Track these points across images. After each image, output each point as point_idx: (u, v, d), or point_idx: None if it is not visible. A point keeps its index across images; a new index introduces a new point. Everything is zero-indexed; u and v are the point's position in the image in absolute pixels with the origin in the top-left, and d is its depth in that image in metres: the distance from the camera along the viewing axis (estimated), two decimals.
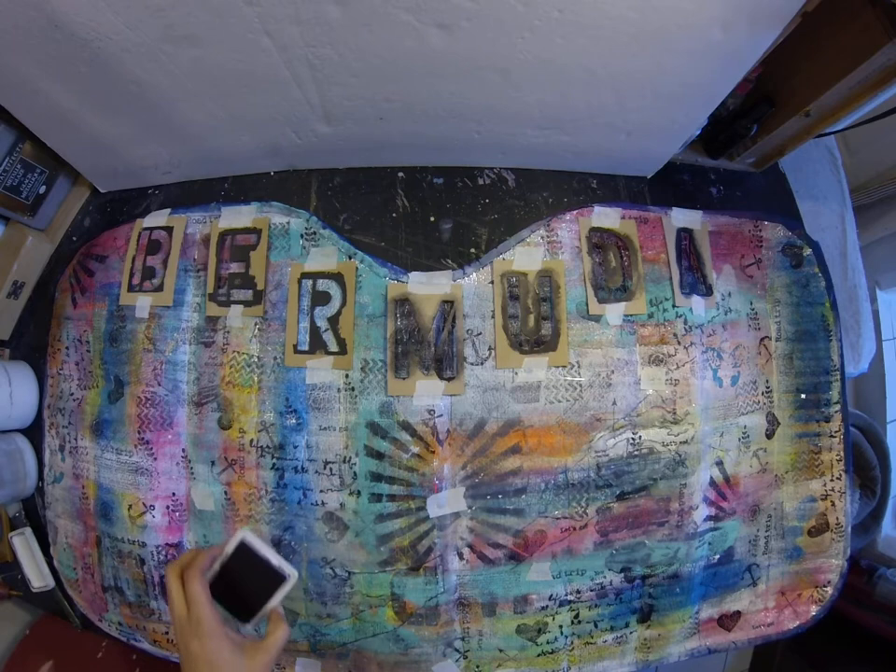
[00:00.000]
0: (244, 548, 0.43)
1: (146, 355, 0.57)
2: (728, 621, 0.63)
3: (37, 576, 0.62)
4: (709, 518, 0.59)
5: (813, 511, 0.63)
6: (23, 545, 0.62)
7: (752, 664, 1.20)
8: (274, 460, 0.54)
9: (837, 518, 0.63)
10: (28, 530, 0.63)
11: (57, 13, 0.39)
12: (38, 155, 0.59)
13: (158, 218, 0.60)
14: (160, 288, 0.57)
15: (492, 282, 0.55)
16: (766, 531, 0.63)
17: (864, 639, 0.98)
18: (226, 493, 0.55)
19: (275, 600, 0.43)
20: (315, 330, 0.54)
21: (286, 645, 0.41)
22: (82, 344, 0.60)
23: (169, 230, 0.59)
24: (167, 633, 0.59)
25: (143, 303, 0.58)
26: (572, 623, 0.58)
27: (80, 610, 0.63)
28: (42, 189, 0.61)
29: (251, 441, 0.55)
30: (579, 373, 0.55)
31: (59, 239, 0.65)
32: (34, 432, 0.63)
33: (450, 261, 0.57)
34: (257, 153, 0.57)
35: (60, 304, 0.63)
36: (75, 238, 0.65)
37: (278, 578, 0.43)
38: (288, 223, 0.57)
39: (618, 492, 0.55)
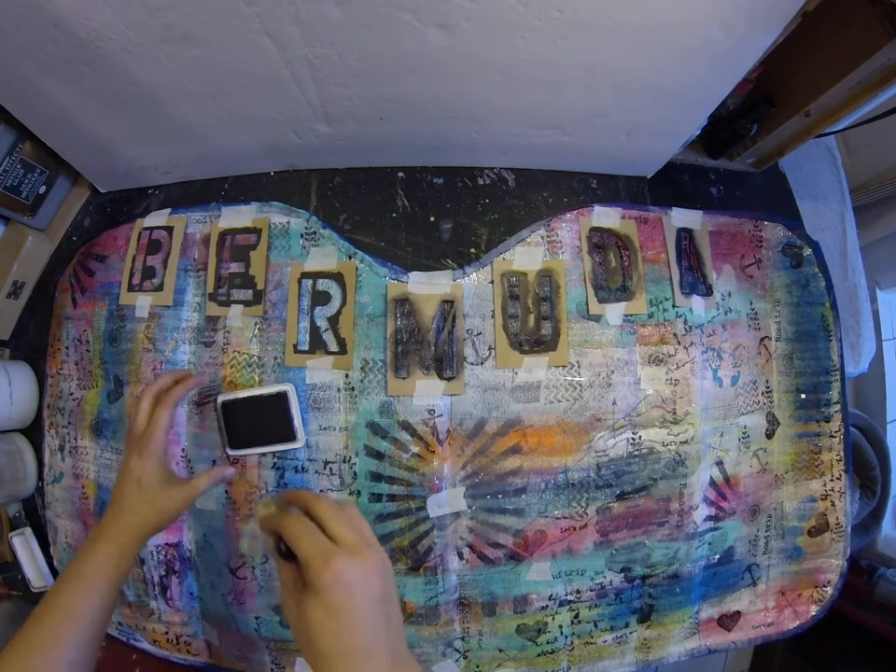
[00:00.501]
0: (280, 397, 0.50)
1: (145, 354, 0.57)
2: (728, 621, 0.63)
3: (37, 576, 0.62)
4: (709, 518, 0.59)
5: (813, 511, 0.63)
6: (23, 545, 0.62)
7: (752, 664, 1.20)
8: (275, 460, 0.54)
9: (837, 518, 0.64)
10: (28, 530, 0.62)
11: (57, 13, 0.39)
12: (38, 155, 0.59)
13: (158, 218, 0.60)
14: (160, 288, 0.57)
15: (492, 282, 0.55)
16: (766, 531, 0.63)
17: (864, 639, 0.98)
18: (227, 492, 0.55)
19: (268, 448, 0.48)
20: (314, 330, 0.54)
21: (270, 637, 0.41)
22: (82, 344, 0.60)
23: (169, 229, 0.59)
24: (167, 633, 0.59)
25: (143, 303, 0.57)
26: (572, 622, 0.58)
27: None
28: (42, 189, 0.61)
29: None
30: (579, 373, 0.55)
31: (59, 239, 0.65)
32: (33, 432, 0.63)
33: (450, 261, 0.57)
34: (257, 153, 0.57)
35: (60, 304, 0.63)
36: (75, 238, 0.65)
37: (287, 436, 0.49)
38: (288, 223, 0.57)
39: (618, 492, 0.55)
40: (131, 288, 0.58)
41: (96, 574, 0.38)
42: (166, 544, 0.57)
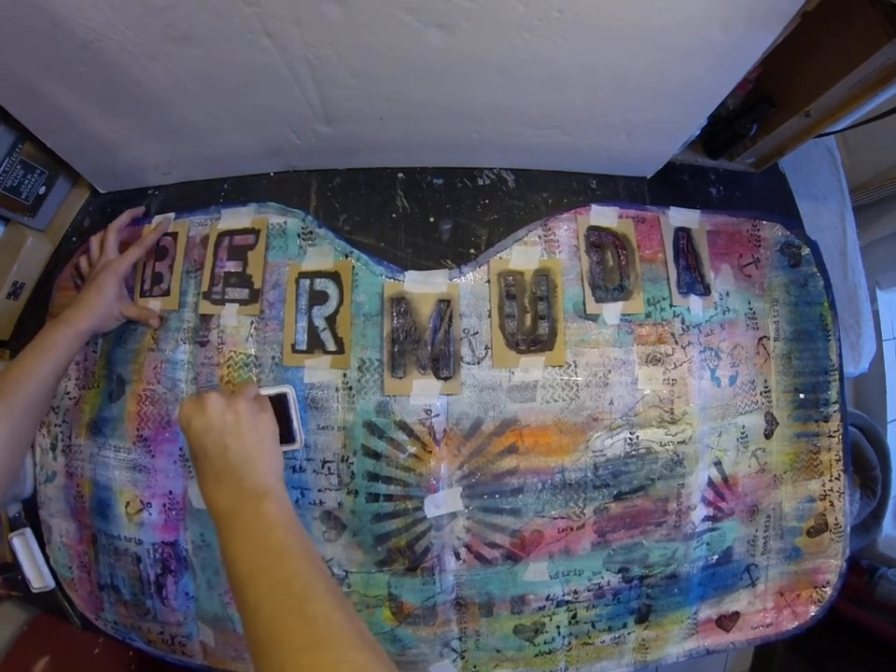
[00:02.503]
0: (281, 398, 0.50)
1: (149, 353, 0.57)
2: (727, 621, 0.63)
3: (37, 577, 0.62)
4: (707, 518, 0.59)
5: (812, 512, 0.63)
6: (23, 546, 0.62)
7: (753, 664, 1.20)
8: None
9: (836, 518, 0.63)
10: (28, 531, 0.62)
11: (57, 13, 0.39)
12: (38, 155, 0.59)
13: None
14: (167, 293, 0.58)
15: (488, 281, 0.55)
16: (765, 531, 0.63)
17: (865, 640, 0.98)
18: None
19: None
20: (313, 330, 0.54)
21: None
22: (88, 345, 0.60)
23: (174, 235, 0.59)
24: (161, 633, 0.59)
25: (154, 307, 0.58)
26: (570, 623, 0.58)
27: (80, 611, 0.63)
28: (42, 190, 0.61)
29: None
30: (575, 373, 0.55)
31: (59, 240, 0.65)
32: None
33: (449, 262, 0.57)
34: (257, 153, 0.57)
35: (59, 303, 0.63)
36: (74, 239, 0.65)
37: (287, 437, 0.50)
38: (285, 223, 0.57)
39: (615, 492, 0.55)
40: (142, 294, 0.59)
41: (53, 347, 0.49)
42: (163, 543, 0.57)
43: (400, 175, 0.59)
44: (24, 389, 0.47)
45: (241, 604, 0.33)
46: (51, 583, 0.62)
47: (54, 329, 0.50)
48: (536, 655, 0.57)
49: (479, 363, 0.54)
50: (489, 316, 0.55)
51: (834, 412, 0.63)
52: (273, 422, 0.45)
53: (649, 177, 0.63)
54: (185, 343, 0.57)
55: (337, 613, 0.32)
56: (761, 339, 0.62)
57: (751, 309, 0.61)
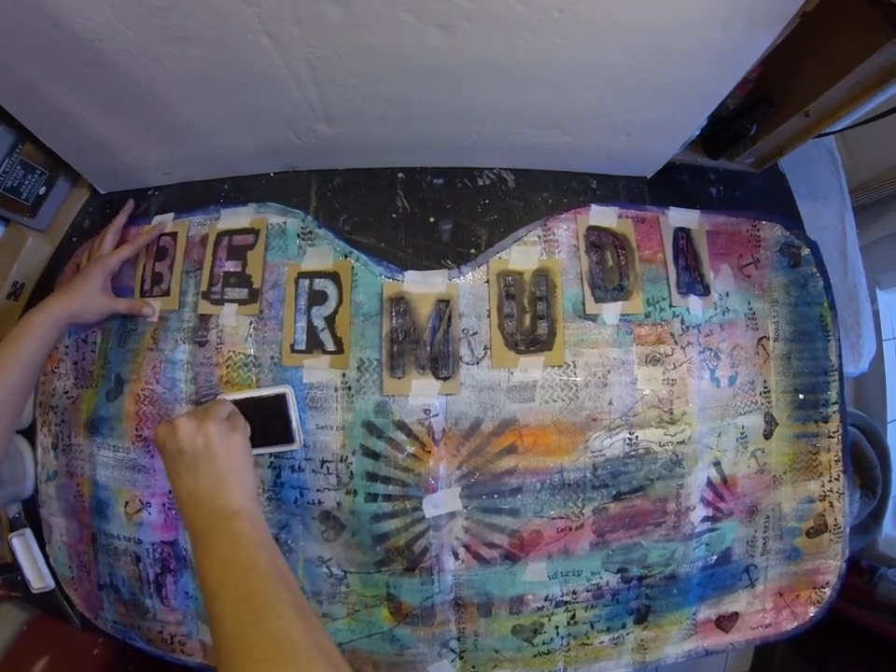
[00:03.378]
0: (279, 398, 0.50)
1: (148, 353, 0.57)
2: (726, 622, 0.63)
3: (37, 577, 0.62)
4: (707, 519, 0.59)
5: (811, 512, 0.63)
6: (23, 546, 0.62)
7: (753, 664, 1.20)
8: (272, 458, 0.54)
9: (835, 519, 0.63)
10: (28, 531, 0.62)
11: (57, 13, 0.39)
12: (38, 155, 0.59)
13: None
14: (167, 293, 0.58)
15: (487, 281, 0.55)
16: (764, 532, 0.62)
17: (866, 640, 0.98)
18: None
19: (265, 450, 0.50)
20: (312, 330, 0.54)
21: None
22: (87, 345, 0.60)
23: (174, 235, 0.59)
24: (161, 632, 0.59)
25: (153, 307, 0.58)
26: (568, 623, 0.58)
27: (79, 610, 0.63)
28: (42, 190, 0.61)
29: None
30: (575, 373, 0.55)
31: (59, 240, 0.65)
32: (33, 433, 0.63)
33: (449, 262, 0.57)
34: (257, 153, 0.57)
35: None
36: (74, 239, 0.65)
37: (286, 437, 0.50)
38: (285, 223, 0.57)
39: (614, 492, 0.55)
40: (143, 294, 0.59)
41: (28, 335, 0.49)
42: (162, 542, 0.57)
43: (400, 174, 0.59)
44: (2, 380, 0.47)
45: (209, 618, 0.34)
46: (51, 584, 0.62)
47: (30, 317, 0.50)
48: (534, 656, 0.58)
49: (478, 363, 0.54)
50: (488, 316, 0.55)
51: (834, 412, 0.63)
52: (245, 441, 0.45)
53: (649, 177, 0.63)
54: (184, 342, 0.57)
55: (297, 627, 0.32)
56: (760, 339, 0.61)
57: (751, 309, 0.61)
